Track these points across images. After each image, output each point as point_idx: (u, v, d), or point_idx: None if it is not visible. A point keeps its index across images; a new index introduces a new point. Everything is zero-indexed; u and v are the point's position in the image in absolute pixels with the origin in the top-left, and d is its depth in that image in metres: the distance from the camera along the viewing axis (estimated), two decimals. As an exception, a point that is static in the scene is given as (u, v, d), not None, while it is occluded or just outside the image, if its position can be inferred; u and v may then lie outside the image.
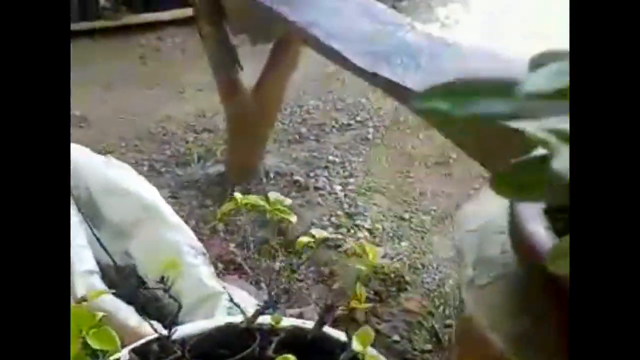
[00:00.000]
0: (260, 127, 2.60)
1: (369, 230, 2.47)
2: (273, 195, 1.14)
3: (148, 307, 1.61)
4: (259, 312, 1.28)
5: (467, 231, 0.82)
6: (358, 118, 3.35)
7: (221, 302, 1.54)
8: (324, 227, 2.41)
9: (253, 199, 1.11)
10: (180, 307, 1.19)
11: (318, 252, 2.30)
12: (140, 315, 1.52)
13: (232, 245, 2.34)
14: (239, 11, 2.28)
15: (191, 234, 1.68)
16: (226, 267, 2.20)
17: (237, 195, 1.30)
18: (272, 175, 2.73)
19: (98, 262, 1.68)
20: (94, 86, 3.63)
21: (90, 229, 1.73)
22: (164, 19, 4.50)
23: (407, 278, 2.24)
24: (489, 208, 0.84)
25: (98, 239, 1.71)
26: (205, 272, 1.57)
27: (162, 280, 1.14)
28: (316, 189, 2.68)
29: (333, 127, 3.26)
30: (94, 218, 1.72)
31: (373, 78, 1.67)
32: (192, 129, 3.23)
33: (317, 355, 1.20)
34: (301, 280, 2.20)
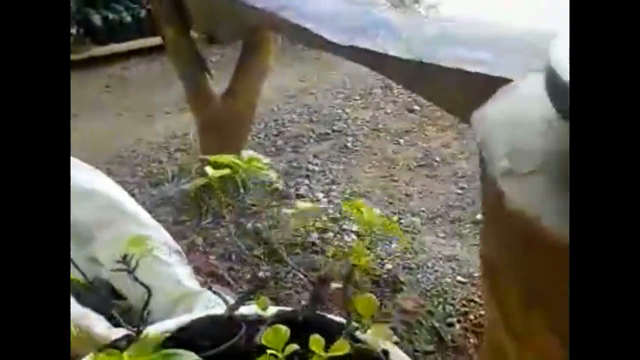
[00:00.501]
0: (234, 136, 2.46)
1: (356, 233, 2.33)
2: (247, 153, 1.00)
3: (121, 318, 1.45)
4: (243, 299, 1.14)
5: (493, 126, 0.70)
6: (335, 128, 3.24)
7: (200, 302, 1.38)
8: (308, 232, 2.27)
9: (225, 159, 0.97)
10: (149, 292, 1.04)
11: (304, 258, 2.15)
12: (110, 322, 1.36)
13: (212, 258, 2.18)
14: (202, 10, 2.17)
15: (164, 231, 1.52)
16: (207, 280, 2.03)
17: (208, 169, 1.16)
18: (250, 185, 2.59)
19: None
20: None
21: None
22: (127, 49, 4.40)
23: (402, 278, 2.10)
24: (510, 104, 0.73)
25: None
26: (180, 271, 1.41)
27: (124, 259, 0.99)
28: (298, 196, 2.54)
29: (310, 137, 3.14)
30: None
31: (350, 52, 1.55)
32: (164, 149, 3.09)
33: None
34: (289, 288, 2.04)
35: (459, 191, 2.63)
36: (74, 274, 1.61)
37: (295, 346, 0.83)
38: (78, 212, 1.51)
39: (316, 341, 0.84)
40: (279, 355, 0.82)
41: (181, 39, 2.28)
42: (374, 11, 1.82)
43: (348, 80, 3.88)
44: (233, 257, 2.17)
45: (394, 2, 1.89)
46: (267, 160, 1.01)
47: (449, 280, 2.09)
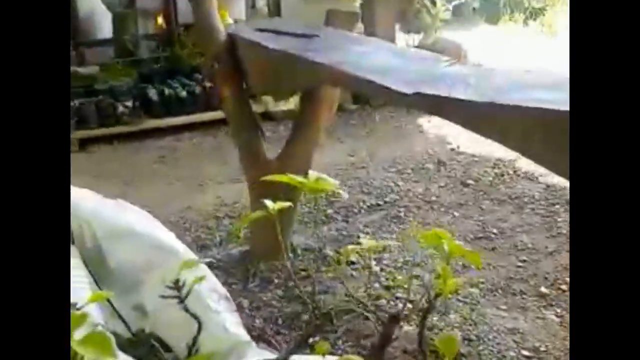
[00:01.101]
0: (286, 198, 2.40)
1: (411, 302, 2.20)
2: (313, 174, 0.93)
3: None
4: (299, 344, 1.04)
5: None
6: (387, 199, 3.17)
7: (250, 353, 1.28)
8: (360, 299, 2.15)
9: (290, 178, 0.91)
10: (200, 325, 0.95)
11: (356, 323, 2.03)
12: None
13: (258, 321, 2.07)
14: (259, 70, 2.18)
15: (213, 277, 1.44)
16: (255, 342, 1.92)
17: (267, 202, 1.10)
18: (299, 251, 2.51)
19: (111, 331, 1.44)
20: (115, 181, 3.52)
21: (97, 286, 1.50)
22: (180, 124, 4.48)
23: (462, 350, 1.95)
24: None
25: (109, 302, 1.48)
26: (229, 318, 1.32)
27: (176, 283, 0.92)
28: (348, 263, 2.44)
29: (361, 208, 3.06)
30: (99, 270, 1.50)
31: (416, 99, 1.50)
32: (213, 216, 3.05)
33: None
34: (339, 355, 1.91)
35: (520, 264, 2.49)
36: (118, 327, 1.53)
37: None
38: (124, 253, 1.46)
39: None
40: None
41: (238, 99, 2.29)
42: (439, 66, 1.79)
43: (399, 155, 3.84)
44: (280, 321, 2.06)
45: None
46: (334, 180, 0.93)
47: (512, 354, 1.93)
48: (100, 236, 1.49)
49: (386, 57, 1.88)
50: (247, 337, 1.31)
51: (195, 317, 0.92)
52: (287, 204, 0.97)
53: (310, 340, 1.96)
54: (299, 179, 0.89)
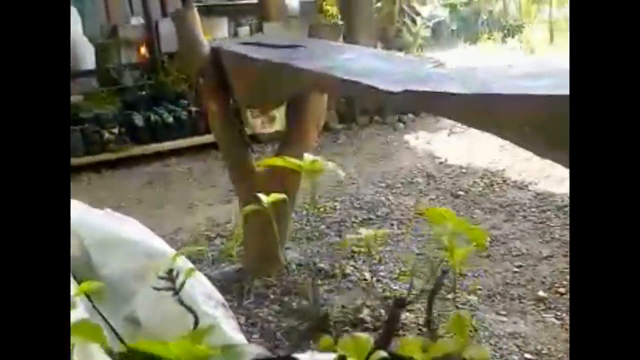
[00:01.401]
0: (276, 212, 2.37)
1: (410, 311, 2.16)
2: (308, 157, 0.91)
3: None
4: (300, 339, 1.01)
5: None
6: (378, 213, 3.14)
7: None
8: (357, 310, 2.12)
9: (287, 161, 0.88)
10: (197, 319, 0.92)
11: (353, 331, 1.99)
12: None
13: (255, 337, 2.02)
14: (245, 81, 2.16)
15: (209, 284, 1.40)
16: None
17: (262, 196, 1.07)
18: (294, 266, 2.47)
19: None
20: (104, 207, 3.45)
21: (87, 297, 1.46)
22: (168, 149, 4.46)
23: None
24: None
25: (101, 314, 1.44)
26: (226, 323, 1.28)
27: (169, 274, 0.89)
28: (344, 275, 2.41)
29: (353, 222, 3.04)
30: (88, 280, 1.45)
31: (405, 97, 1.49)
32: (204, 236, 3.01)
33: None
34: None
35: (516, 269, 2.47)
36: (110, 341, 1.48)
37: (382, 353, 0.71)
38: (114, 262, 1.42)
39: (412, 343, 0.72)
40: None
41: (224, 113, 2.27)
42: (425, 66, 1.79)
43: (388, 171, 3.83)
44: (278, 334, 2.02)
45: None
46: (330, 163, 0.91)
47: (515, 358, 1.90)
48: (88, 245, 1.45)
49: (372, 62, 1.88)
50: (245, 342, 1.27)
51: (191, 310, 0.88)
52: (282, 196, 0.95)
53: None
54: (297, 161, 0.87)
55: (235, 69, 2.19)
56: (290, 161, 0.87)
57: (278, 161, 0.88)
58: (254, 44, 2.29)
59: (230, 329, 1.28)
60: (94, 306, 1.46)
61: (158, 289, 0.87)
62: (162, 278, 0.85)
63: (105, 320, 1.45)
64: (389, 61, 1.91)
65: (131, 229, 1.52)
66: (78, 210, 1.53)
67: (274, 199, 0.95)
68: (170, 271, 0.86)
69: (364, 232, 1.02)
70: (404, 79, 1.62)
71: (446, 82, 1.52)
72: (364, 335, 0.74)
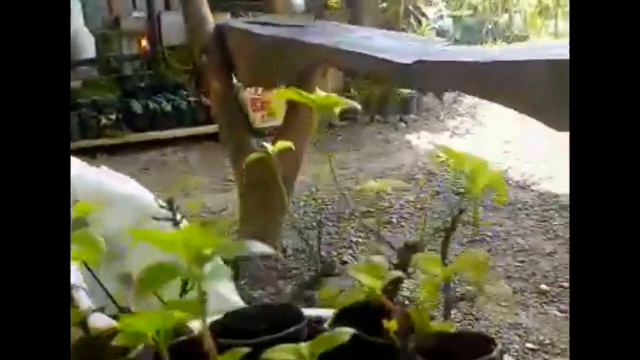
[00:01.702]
0: (274, 198, 2.33)
1: (409, 299, 2.11)
2: (321, 93, 0.86)
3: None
4: (306, 284, 0.96)
5: None
6: (378, 207, 3.10)
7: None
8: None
9: (297, 94, 0.84)
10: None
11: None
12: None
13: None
14: (249, 59, 2.12)
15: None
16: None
17: (267, 145, 1.03)
18: (290, 251, 2.42)
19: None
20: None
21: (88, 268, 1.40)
22: (165, 137, 4.40)
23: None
24: None
25: (93, 274, 1.38)
26: (223, 286, 1.23)
27: (169, 203, 0.84)
28: (343, 263, 2.36)
29: (352, 215, 2.99)
30: (83, 239, 1.40)
31: (417, 68, 1.45)
32: (199, 221, 2.95)
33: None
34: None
35: (518, 264, 2.43)
36: (103, 299, 1.43)
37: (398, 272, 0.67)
38: (110, 219, 1.36)
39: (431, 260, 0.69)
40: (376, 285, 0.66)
41: (227, 93, 2.23)
42: (436, 46, 1.75)
43: (389, 168, 3.79)
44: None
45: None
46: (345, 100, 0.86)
47: (517, 347, 1.85)
48: (83, 202, 1.40)
49: (384, 40, 1.84)
50: (242, 304, 1.23)
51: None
52: (288, 143, 0.90)
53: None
54: (309, 95, 0.82)
55: (240, 45, 2.15)
56: (303, 94, 0.82)
57: (291, 94, 0.84)
58: (260, 23, 2.25)
59: (227, 291, 1.23)
60: (88, 268, 1.40)
61: (157, 219, 0.82)
62: (162, 207, 0.80)
63: (99, 281, 1.40)
64: (400, 40, 1.87)
65: (126, 185, 1.47)
66: (74, 167, 1.47)
67: (280, 147, 0.90)
68: (170, 201, 0.81)
69: (373, 183, 0.97)
70: (417, 52, 1.58)
71: (460, 55, 1.49)
72: (378, 257, 0.70)
